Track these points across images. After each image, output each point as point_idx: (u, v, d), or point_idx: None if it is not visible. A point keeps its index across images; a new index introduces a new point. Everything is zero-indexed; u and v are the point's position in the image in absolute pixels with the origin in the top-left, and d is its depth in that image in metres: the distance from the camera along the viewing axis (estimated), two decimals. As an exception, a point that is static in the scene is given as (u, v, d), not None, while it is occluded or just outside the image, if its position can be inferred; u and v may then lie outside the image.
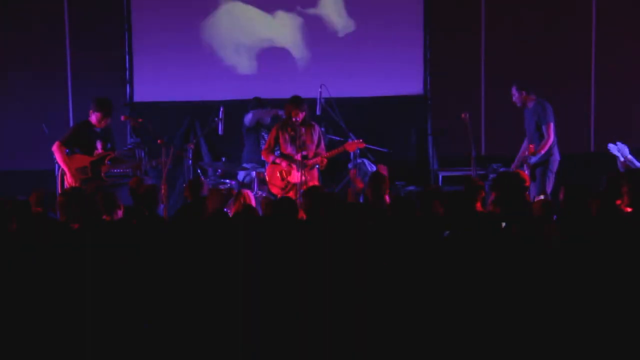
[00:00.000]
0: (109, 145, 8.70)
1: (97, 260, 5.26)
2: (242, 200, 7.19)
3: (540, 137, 8.79)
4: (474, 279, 5.05)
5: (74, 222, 6.07)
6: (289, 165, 8.61)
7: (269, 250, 5.24)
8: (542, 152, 8.70)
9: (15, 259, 5.30)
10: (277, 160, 8.69)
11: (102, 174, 8.53)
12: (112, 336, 5.06)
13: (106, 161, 8.56)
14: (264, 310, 5.00)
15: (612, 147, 8.84)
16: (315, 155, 8.64)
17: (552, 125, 8.76)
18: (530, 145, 8.69)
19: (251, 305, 4.99)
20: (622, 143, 8.87)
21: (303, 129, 8.62)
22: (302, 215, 6.28)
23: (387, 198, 7.23)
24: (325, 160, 8.66)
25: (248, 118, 9.87)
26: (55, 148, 8.54)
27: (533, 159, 8.67)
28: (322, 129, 9.09)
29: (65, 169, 8.45)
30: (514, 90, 8.95)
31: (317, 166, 8.68)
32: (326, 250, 5.15)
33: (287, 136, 8.69)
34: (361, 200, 8.28)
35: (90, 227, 5.83)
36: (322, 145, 8.77)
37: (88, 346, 4.99)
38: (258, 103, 9.97)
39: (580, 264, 5.08)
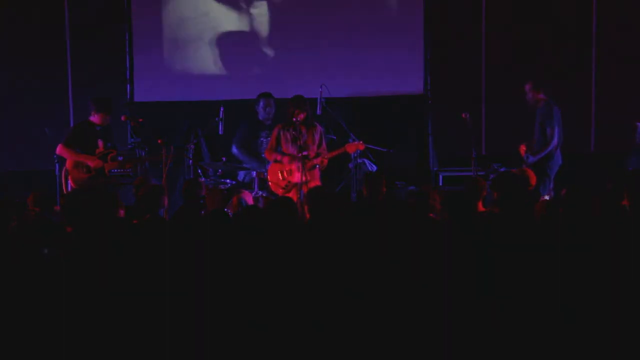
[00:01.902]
0: (109, 144, 8.72)
1: (96, 259, 5.26)
2: (235, 201, 7.17)
3: (545, 139, 8.70)
4: (473, 278, 5.05)
5: (74, 225, 6.06)
6: (290, 162, 8.61)
7: (267, 249, 5.24)
8: (542, 154, 8.64)
9: (12, 260, 5.29)
10: (279, 158, 8.69)
11: (106, 172, 8.55)
12: (111, 336, 5.06)
13: (109, 159, 8.58)
14: (264, 310, 5.00)
15: None
16: (317, 155, 8.64)
17: (556, 129, 8.67)
18: (522, 146, 8.60)
19: (251, 305, 4.99)
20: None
21: (304, 129, 8.62)
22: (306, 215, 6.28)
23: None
24: (326, 160, 8.67)
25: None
26: (60, 150, 8.57)
27: (531, 159, 8.59)
28: (322, 128, 9.08)
29: (82, 160, 8.49)
30: (527, 89, 8.79)
31: (317, 166, 8.68)
32: (328, 250, 5.15)
33: (288, 136, 8.69)
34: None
35: (89, 227, 5.82)
36: (324, 145, 8.77)
37: (87, 346, 4.99)
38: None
39: (583, 265, 5.07)
